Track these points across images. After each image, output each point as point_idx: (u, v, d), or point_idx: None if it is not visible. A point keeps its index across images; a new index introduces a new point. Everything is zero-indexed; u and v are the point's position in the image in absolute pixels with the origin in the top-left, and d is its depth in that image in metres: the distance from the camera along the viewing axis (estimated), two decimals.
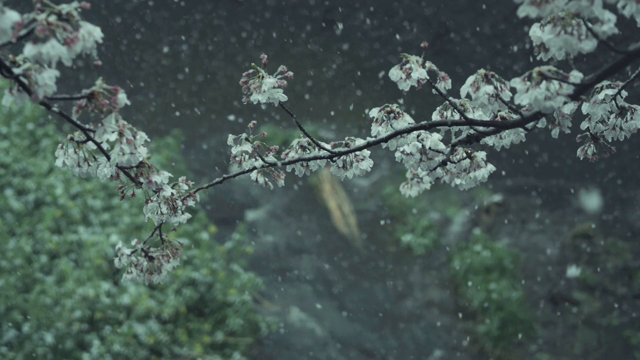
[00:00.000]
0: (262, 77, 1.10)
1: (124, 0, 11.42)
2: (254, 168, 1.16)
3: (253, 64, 1.10)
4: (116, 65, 10.11)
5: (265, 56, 1.11)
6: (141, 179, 1.12)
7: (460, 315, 6.49)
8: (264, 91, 1.08)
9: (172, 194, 1.14)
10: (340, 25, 10.89)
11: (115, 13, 11.24)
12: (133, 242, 1.22)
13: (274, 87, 1.09)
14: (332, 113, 9.36)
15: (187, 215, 1.18)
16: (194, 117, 9.23)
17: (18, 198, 5.86)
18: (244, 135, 1.17)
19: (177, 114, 9.27)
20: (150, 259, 1.18)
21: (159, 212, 1.17)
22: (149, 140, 1.06)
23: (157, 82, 9.87)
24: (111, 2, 11.41)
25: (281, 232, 7.41)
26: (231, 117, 9.12)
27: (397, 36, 10.75)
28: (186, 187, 1.17)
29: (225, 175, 1.20)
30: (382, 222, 7.65)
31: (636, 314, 6.37)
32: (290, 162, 1.19)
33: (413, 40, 10.64)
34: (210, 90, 9.77)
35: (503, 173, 8.15)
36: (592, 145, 1.35)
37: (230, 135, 1.16)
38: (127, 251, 1.20)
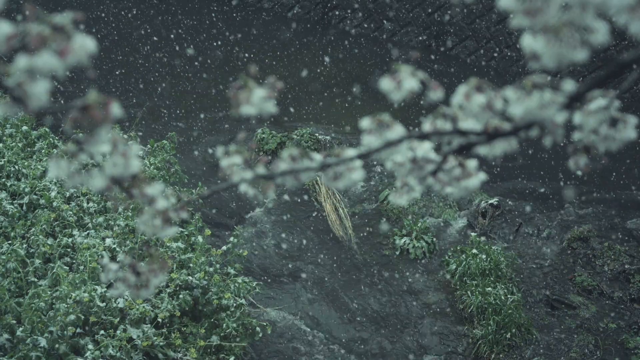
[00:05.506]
0: (252, 88, 1.10)
1: (120, 3, 11.43)
2: (243, 180, 1.16)
3: (242, 75, 1.10)
4: (113, 68, 10.10)
5: (255, 67, 1.11)
6: (134, 191, 1.12)
7: (456, 318, 6.49)
8: (254, 103, 1.09)
9: (165, 207, 1.14)
10: (338, 27, 10.90)
11: (112, 16, 11.25)
12: (120, 257, 1.23)
13: (263, 99, 1.09)
14: (330, 116, 9.36)
15: (177, 228, 1.18)
16: (189, 120, 9.22)
17: (12, 201, 5.85)
18: (233, 147, 1.17)
19: (173, 116, 9.27)
20: (138, 274, 1.18)
21: (152, 224, 1.17)
22: (142, 152, 1.06)
23: (153, 84, 9.87)
24: (108, 7, 11.42)
25: (277, 234, 7.41)
26: (227, 119, 9.12)
27: (395, 39, 10.76)
28: (174, 201, 1.17)
29: (213, 188, 1.20)
30: (378, 225, 7.65)
31: (633, 317, 6.38)
32: (281, 175, 1.19)
33: (410, 42, 10.65)
34: (205, 92, 9.77)
35: (499, 176, 8.16)
36: (584, 156, 1.35)
37: (219, 147, 1.16)
38: (114, 267, 1.19)
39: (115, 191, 1.09)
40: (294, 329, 6.19)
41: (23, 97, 0.92)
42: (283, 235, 7.41)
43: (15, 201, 5.85)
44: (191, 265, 5.52)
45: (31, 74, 0.93)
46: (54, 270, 5.09)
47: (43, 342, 4.57)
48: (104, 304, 4.95)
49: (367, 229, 7.61)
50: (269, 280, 6.76)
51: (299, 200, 7.88)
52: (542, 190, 8.08)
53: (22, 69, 0.91)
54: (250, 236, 7.28)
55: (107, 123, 0.98)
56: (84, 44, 0.93)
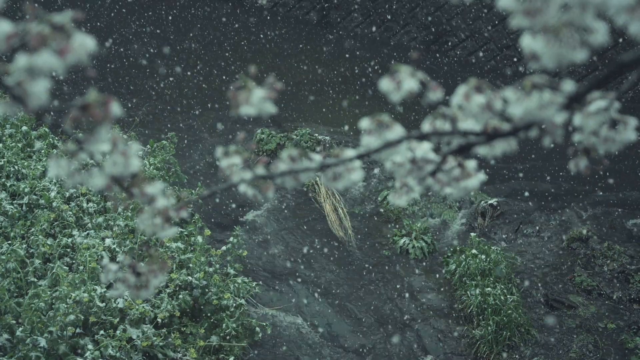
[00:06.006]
0: (251, 89, 1.10)
1: (120, 5, 11.43)
2: (243, 180, 1.16)
3: (242, 75, 1.10)
4: (112, 68, 10.10)
5: (254, 68, 1.11)
6: (134, 190, 1.12)
7: (455, 318, 6.49)
8: (253, 103, 1.08)
9: (165, 206, 1.13)
10: (338, 27, 10.90)
11: (111, 18, 11.25)
12: (122, 256, 1.23)
13: (262, 99, 1.09)
14: (330, 116, 9.36)
15: (176, 229, 1.17)
16: (188, 120, 9.22)
17: (12, 201, 5.85)
18: (232, 147, 1.16)
19: (172, 116, 9.27)
20: (138, 274, 1.17)
21: (152, 223, 1.16)
22: (142, 152, 1.06)
23: (152, 85, 9.87)
24: (108, 9, 11.42)
25: (276, 235, 7.40)
26: (226, 119, 9.12)
27: (395, 39, 10.76)
28: (174, 201, 1.16)
29: (213, 188, 1.19)
30: (377, 225, 7.65)
31: (633, 318, 6.38)
32: (280, 175, 1.19)
33: (409, 42, 10.65)
34: (205, 93, 9.76)
35: (498, 176, 8.16)
36: (584, 158, 1.34)
37: (219, 147, 1.16)
38: (114, 267, 1.19)
39: (115, 190, 1.09)
40: (293, 328, 6.19)
41: (23, 96, 0.92)
42: (283, 235, 7.41)
43: (15, 201, 5.85)
44: (191, 265, 5.52)
45: (32, 73, 0.93)
46: (54, 271, 5.09)
47: (43, 342, 4.57)
48: (104, 304, 4.95)
49: (367, 229, 7.61)
50: (267, 280, 6.76)
51: (298, 201, 7.88)
52: (542, 190, 8.08)
53: (22, 68, 0.91)
54: (249, 237, 7.28)
55: (106, 122, 0.98)
56: (84, 43, 0.93)
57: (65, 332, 4.70)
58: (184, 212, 1.15)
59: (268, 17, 11.33)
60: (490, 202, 7.62)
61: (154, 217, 1.14)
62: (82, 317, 4.81)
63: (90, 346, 4.72)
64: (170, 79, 10.01)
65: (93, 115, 0.97)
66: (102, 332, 4.81)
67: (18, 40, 0.92)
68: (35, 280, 5.10)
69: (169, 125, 8.88)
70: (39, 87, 0.94)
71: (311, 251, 7.25)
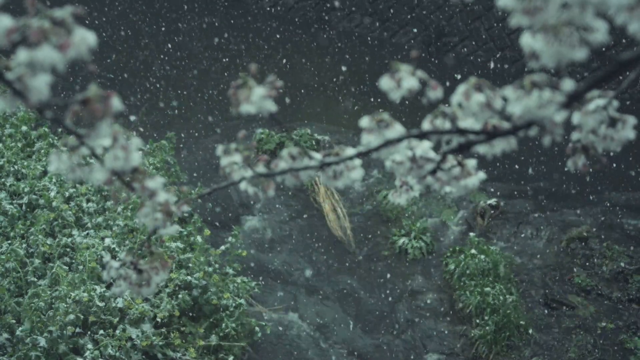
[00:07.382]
0: (251, 87, 1.10)
1: (119, 4, 11.43)
2: (244, 178, 1.16)
3: (242, 73, 1.10)
4: (112, 67, 10.10)
5: (254, 66, 1.11)
6: (135, 185, 1.12)
7: (454, 319, 6.49)
8: (253, 101, 1.09)
9: (166, 199, 1.14)
10: (337, 27, 10.91)
11: (111, 17, 11.25)
12: (122, 255, 1.23)
13: (263, 97, 1.09)
14: (329, 116, 9.36)
15: (177, 227, 1.17)
16: (188, 119, 9.23)
17: (11, 201, 5.84)
18: (233, 146, 1.16)
19: (172, 115, 9.27)
20: (139, 271, 1.17)
21: (153, 217, 1.16)
22: (143, 147, 1.06)
23: (152, 84, 9.87)
24: (108, 7, 11.42)
25: (276, 234, 7.41)
26: (226, 119, 9.13)
27: (394, 39, 10.77)
28: (175, 199, 1.16)
29: (214, 186, 1.19)
30: (376, 225, 7.65)
31: (631, 318, 6.38)
32: (280, 173, 1.19)
33: (409, 42, 10.66)
34: (205, 92, 9.77)
35: (498, 176, 8.17)
36: (582, 156, 1.35)
37: (219, 145, 1.16)
38: (116, 264, 1.19)
39: (116, 184, 1.09)
40: (292, 328, 6.19)
41: (24, 91, 0.93)
42: (281, 235, 7.41)
43: (15, 201, 5.84)
44: (190, 265, 5.52)
45: (32, 68, 0.93)
46: (54, 270, 5.09)
47: (42, 341, 4.57)
48: (103, 303, 4.95)
49: (366, 229, 7.61)
50: (267, 280, 6.76)
51: (297, 201, 7.88)
52: (541, 190, 8.08)
53: (23, 63, 0.91)
54: (248, 237, 7.28)
55: (107, 117, 0.98)
56: (85, 38, 0.94)
57: (65, 331, 4.69)
58: (185, 207, 1.15)
59: (268, 17, 11.33)
60: (489, 202, 7.63)
61: (154, 212, 1.14)
62: (82, 317, 4.80)
63: (89, 346, 4.71)
64: (170, 78, 10.01)
65: (93, 110, 0.97)
66: (101, 331, 4.80)
67: (19, 35, 0.92)
68: (35, 279, 5.09)
69: (168, 125, 8.88)
70: (40, 82, 0.94)
71: (310, 251, 7.25)
